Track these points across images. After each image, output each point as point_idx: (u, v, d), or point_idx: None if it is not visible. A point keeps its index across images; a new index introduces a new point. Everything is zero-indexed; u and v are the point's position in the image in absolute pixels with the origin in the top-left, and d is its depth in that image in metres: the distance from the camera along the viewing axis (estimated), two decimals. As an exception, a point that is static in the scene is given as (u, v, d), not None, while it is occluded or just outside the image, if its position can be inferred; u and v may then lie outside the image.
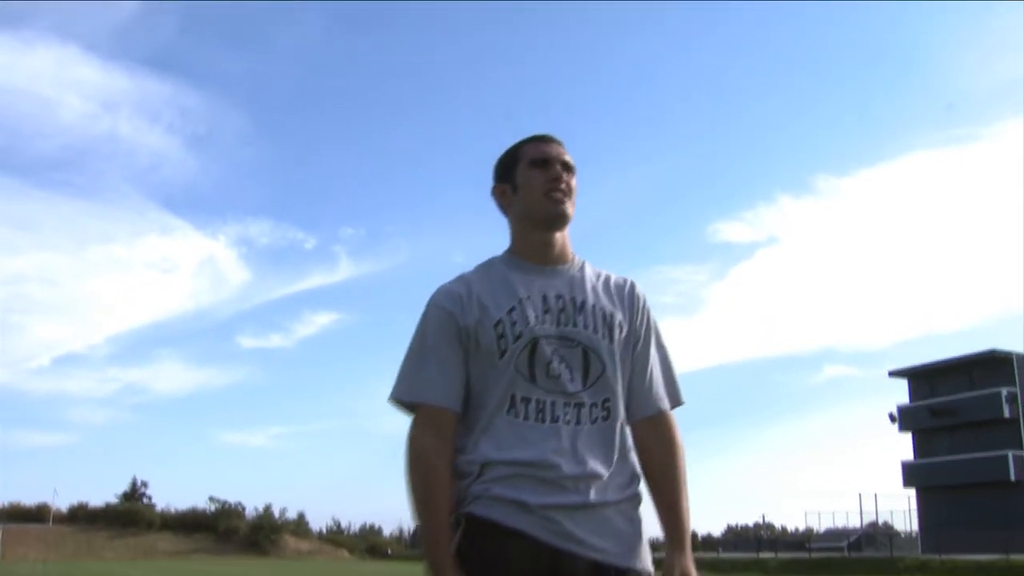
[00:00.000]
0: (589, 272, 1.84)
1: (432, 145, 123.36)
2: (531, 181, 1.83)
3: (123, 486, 78.46)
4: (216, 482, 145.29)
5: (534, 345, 1.69)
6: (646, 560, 1.72)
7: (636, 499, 1.76)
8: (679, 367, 1.92)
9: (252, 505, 73.01)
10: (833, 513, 51.67)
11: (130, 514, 68.87)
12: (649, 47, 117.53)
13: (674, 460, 1.80)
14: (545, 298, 1.75)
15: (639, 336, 1.84)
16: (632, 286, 1.85)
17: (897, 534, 46.24)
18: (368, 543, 75.60)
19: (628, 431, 1.80)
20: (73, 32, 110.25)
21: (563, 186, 1.81)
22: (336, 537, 77.25)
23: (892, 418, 46.81)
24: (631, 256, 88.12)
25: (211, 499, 72.64)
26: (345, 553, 71.27)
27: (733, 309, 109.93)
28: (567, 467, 1.65)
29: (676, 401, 1.87)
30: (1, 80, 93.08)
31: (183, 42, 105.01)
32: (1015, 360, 41.80)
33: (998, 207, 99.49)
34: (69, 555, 59.02)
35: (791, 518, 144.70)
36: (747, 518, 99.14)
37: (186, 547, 66.32)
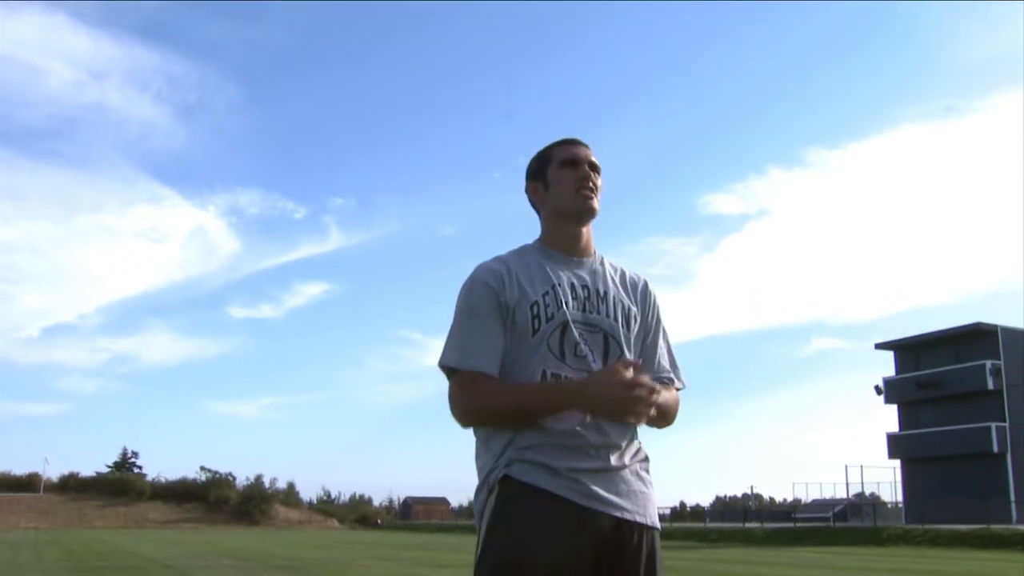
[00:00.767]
0: (608, 266, 2.05)
1: (423, 117, 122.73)
2: (562, 179, 2.02)
3: (114, 456, 78.76)
4: (207, 452, 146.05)
5: (564, 327, 1.89)
6: (656, 517, 1.93)
7: (647, 461, 1.97)
8: (673, 338, 2.14)
9: (243, 475, 73.47)
10: (820, 484, 52.25)
11: (121, 483, 69.10)
12: (640, 19, 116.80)
13: (669, 395, 1.99)
14: (573, 286, 1.95)
15: (650, 329, 2.06)
16: (645, 284, 2.08)
17: (883, 504, 46.81)
18: (358, 513, 76.14)
19: None
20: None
21: (591, 184, 2.01)
22: (326, 507, 77.74)
23: (878, 390, 47.21)
24: (622, 228, 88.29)
25: (202, 469, 73.07)
26: (335, 523, 71.73)
27: (723, 281, 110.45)
28: (591, 437, 1.83)
29: (678, 385, 2.08)
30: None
31: (172, 10, 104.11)
32: (1000, 333, 42.17)
33: (988, 181, 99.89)
34: (60, 524, 59.22)
35: (779, 489, 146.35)
36: (736, 489, 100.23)
37: (177, 516, 66.65)
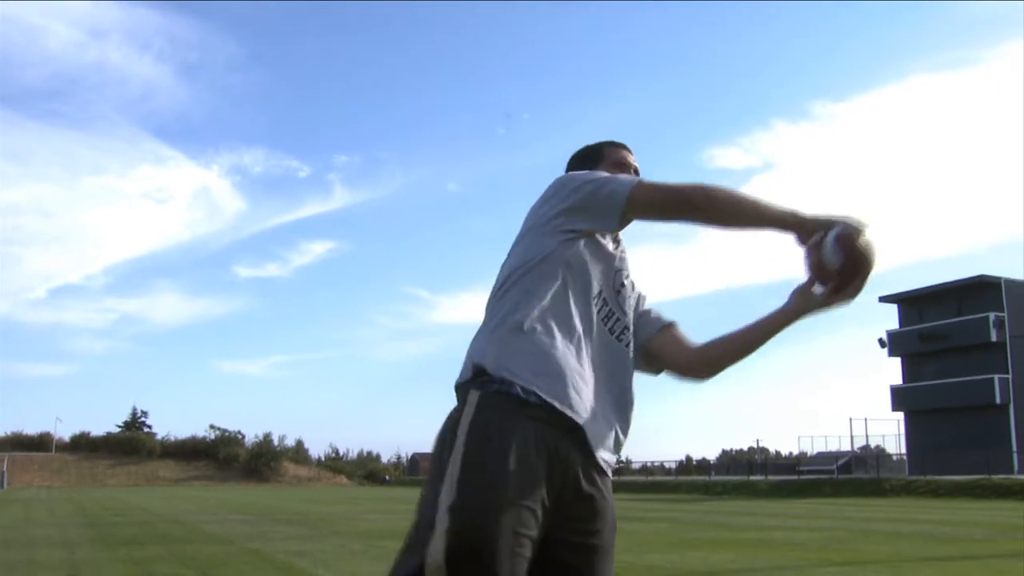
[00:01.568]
0: (626, 252, 2.12)
1: (427, 73, 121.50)
2: None
3: (124, 416, 79.47)
4: (216, 411, 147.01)
5: (617, 274, 1.99)
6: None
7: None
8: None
9: (252, 433, 74.13)
10: (825, 437, 52.42)
11: (131, 442, 69.82)
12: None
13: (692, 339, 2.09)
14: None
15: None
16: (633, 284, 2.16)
17: (888, 457, 47.17)
18: (366, 469, 76.86)
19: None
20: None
21: None
22: (335, 464, 78.47)
23: (882, 343, 47.32)
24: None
25: (211, 427, 73.70)
26: (344, 479, 72.54)
27: (726, 235, 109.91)
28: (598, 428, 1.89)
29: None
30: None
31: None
32: (1003, 285, 42.15)
33: (993, 133, 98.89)
34: (72, 482, 60.06)
35: (785, 443, 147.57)
36: (742, 443, 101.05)
37: (187, 474, 67.45)
